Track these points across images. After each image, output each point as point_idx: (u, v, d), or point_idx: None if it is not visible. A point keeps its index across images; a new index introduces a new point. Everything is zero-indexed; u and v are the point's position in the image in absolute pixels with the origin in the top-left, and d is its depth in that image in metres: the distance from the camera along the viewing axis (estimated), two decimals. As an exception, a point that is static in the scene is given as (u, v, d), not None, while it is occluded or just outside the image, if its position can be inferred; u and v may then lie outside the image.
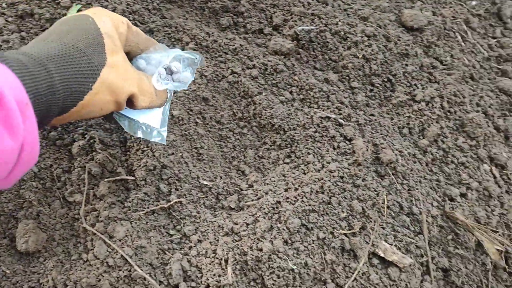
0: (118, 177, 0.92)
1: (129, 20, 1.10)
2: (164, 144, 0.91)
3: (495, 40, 1.48)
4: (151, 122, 0.86)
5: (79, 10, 1.06)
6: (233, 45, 1.16)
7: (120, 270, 0.83)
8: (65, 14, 1.06)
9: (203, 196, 0.97)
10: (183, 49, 1.09)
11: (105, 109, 0.71)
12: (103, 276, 0.82)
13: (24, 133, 0.53)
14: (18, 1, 1.03)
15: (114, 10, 1.09)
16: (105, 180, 0.92)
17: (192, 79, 0.87)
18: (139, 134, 0.84)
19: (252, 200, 0.96)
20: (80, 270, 0.82)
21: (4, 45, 0.96)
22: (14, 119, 0.51)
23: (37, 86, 0.57)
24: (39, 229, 0.85)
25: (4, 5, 1.02)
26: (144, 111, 0.84)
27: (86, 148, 0.94)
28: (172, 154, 0.97)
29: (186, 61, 0.86)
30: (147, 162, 0.94)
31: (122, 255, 0.84)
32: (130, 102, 0.75)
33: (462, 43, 1.40)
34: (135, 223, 0.88)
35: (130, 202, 0.90)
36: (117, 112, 0.81)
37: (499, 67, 1.40)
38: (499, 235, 1.05)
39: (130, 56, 0.80)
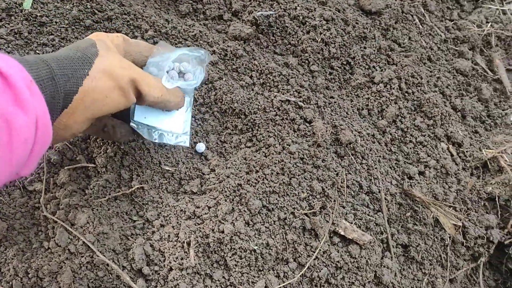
0: (78, 165, 0.92)
1: (86, 7, 1.10)
2: (187, 147, 0.94)
3: (452, 22, 1.51)
4: (173, 128, 0.90)
5: (35, 0, 1.05)
6: (193, 32, 1.16)
7: (82, 256, 0.83)
8: (21, 4, 1.04)
9: (166, 181, 0.98)
10: (178, 44, 1.10)
11: (111, 97, 0.72)
12: (64, 263, 0.82)
13: (35, 108, 0.57)
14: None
15: (70, -2, 1.09)
16: (65, 168, 0.92)
17: (204, 76, 0.90)
18: (163, 140, 0.89)
19: (214, 184, 0.97)
20: (42, 258, 0.82)
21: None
22: (23, 95, 0.55)
23: (37, 71, 0.61)
24: (-1, 219, 0.84)
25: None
26: (163, 118, 0.89)
27: (45, 136, 0.93)
28: (133, 140, 0.97)
29: (194, 60, 0.89)
30: (107, 149, 0.94)
31: (84, 242, 0.84)
32: (139, 96, 0.77)
33: (420, 26, 1.43)
34: (97, 210, 0.89)
35: (91, 189, 0.91)
36: (135, 120, 0.85)
37: (456, 48, 1.43)
38: (455, 210, 1.08)
39: (138, 65, 0.82)
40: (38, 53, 1.02)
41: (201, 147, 1.05)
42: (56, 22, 1.06)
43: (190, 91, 0.94)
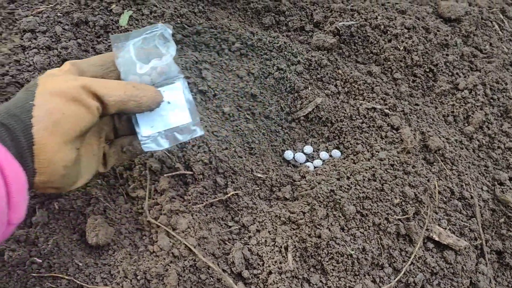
0: (177, 172, 0.96)
1: (177, 22, 1.14)
2: (203, 135, 0.86)
3: (533, 27, 1.49)
4: (182, 120, 0.82)
5: (130, 17, 1.11)
6: (277, 43, 1.19)
7: (185, 260, 0.86)
8: (117, 21, 1.10)
9: (258, 188, 1.00)
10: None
11: (69, 112, 0.67)
12: (170, 266, 0.85)
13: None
14: (72, 9, 1.08)
15: (163, 15, 1.14)
16: (165, 175, 0.95)
17: (174, 47, 0.82)
18: (178, 140, 0.82)
19: (306, 190, 0.98)
20: (148, 261, 0.86)
21: (63, 51, 1.00)
22: None
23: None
24: (106, 224, 0.88)
25: (59, 14, 1.06)
26: (168, 116, 0.81)
27: (145, 146, 0.97)
28: (226, 149, 1.00)
29: (157, 38, 0.81)
30: (203, 156, 0.97)
31: (186, 246, 0.87)
32: (101, 101, 0.71)
33: (500, 32, 1.41)
34: (196, 215, 0.92)
35: (189, 195, 0.94)
36: (143, 136, 0.80)
37: (539, 53, 1.41)
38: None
39: (107, 78, 0.77)
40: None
41: (289, 154, 1.07)
42: (150, 37, 1.11)
43: (175, 74, 0.83)
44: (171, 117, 0.81)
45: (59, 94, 0.66)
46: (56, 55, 1.00)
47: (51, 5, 1.08)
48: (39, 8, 1.07)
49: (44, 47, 1.00)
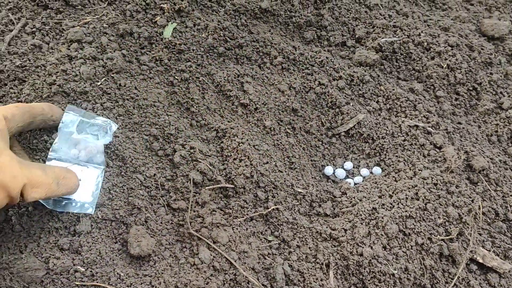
0: (219, 185, 0.96)
1: (220, 36, 1.15)
2: (92, 215, 0.88)
3: None
4: (82, 198, 0.88)
5: (174, 29, 1.12)
6: (319, 58, 1.19)
7: (226, 273, 0.86)
8: (161, 33, 1.11)
9: (298, 203, 0.99)
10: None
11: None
12: (210, 279, 0.85)
13: None
14: (118, 21, 1.09)
15: (206, 27, 1.15)
16: (206, 187, 0.95)
17: (108, 142, 0.92)
18: (68, 209, 0.86)
19: (347, 207, 0.97)
20: (189, 273, 0.86)
21: (108, 62, 1.02)
22: None
23: None
24: (148, 234, 0.89)
25: (105, 25, 1.08)
26: None
27: (187, 157, 0.98)
28: (267, 163, 1.00)
29: (99, 129, 0.92)
30: (244, 170, 0.97)
31: (227, 259, 0.87)
32: (21, 195, 0.74)
33: (544, 51, 1.39)
34: (236, 229, 0.92)
35: (230, 208, 0.94)
36: None
37: None
38: None
39: (32, 126, 0.85)
40: (177, 79, 1.08)
41: (329, 170, 1.07)
42: (193, 50, 1.12)
43: (98, 162, 0.91)
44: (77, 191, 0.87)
45: (3, 190, 0.70)
46: (102, 65, 1.01)
47: (97, 16, 1.09)
48: (85, 19, 1.09)
49: (90, 57, 1.01)
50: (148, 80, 1.06)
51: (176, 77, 1.09)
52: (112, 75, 1.02)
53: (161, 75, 1.09)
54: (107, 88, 0.99)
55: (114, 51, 1.05)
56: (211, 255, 0.88)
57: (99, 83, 0.99)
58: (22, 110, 0.81)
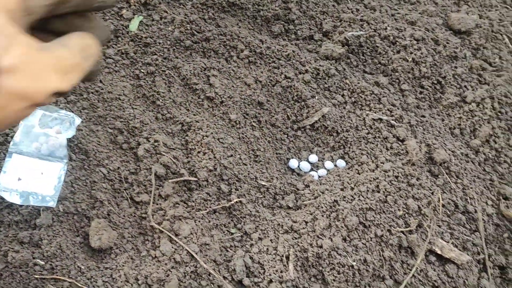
0: (182, 178, 0.97)
1: (187, 29, 1.15)
2: (53, 208, 0.88)
3: (544, 41, 1.48)
4: (44, 191, 0.88)
5: (140, 22, 1.12)
6: (286, 51, 1.20)
7: (186, 266, 0.87)
8: (127, 26, 1.11)
9: (261, 196, 1.00)
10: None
11: (22, 116, 0.54)
12: (171, 271, 0.86)
13: None
14: (83, 14, 1.09)
15: (173, 21, 1.15)
16: (170, 181, 0.96)
17: (71, 135, 0.93)
18: (29, 202, 0.86)
19: (309, 200, 0.99)
20: (150, 266, 0.86)
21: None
22: None
23: None
24: (110, 227, 0.89)
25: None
26: (36, 180, 0.89)
27: (151, 150, 0.98)
28: (231, 156, 1.01)
29: (62, 122, 0.93)
30: (208, 163, 0.98)
31: (188, 252, 0.88)
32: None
33: (510, 45, 1.41)
34: (199, 221, 0.92)
35: (193, 201, 0.95)
36: (4, 186, 0.86)
37: (549, 68, 1.40)
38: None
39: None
40: (143, 72, 1.08)
41: (294, 163, 1.08)
42: (159, 43, 1.12)
43: (61, 155, 0.91)
44: (37, 184, 0.88)
45: (22, 98, 0.56)
46: (66, 58, 1.01)
47: (62, 9, 1.09)
48: (50, 12, 1.08)
49: (54, 51, 1.01)
50: (113, 73, 1.06)
51: (142, 70, 1.09)
52: (76, 68, 1.02)
53: (127, 68, 1.09)
54: (71, 82, 0.99)
55: (79, 44, 1.05)
56: (172, 247, 0.89)
57: (63, 77, 0.99)
58: None
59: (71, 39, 0.47)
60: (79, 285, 0.82)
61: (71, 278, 0.82)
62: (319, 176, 1.07)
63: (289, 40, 1.26)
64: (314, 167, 1.10)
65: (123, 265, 0.86)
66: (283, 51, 1.20)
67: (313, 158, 1.10)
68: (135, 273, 0.85)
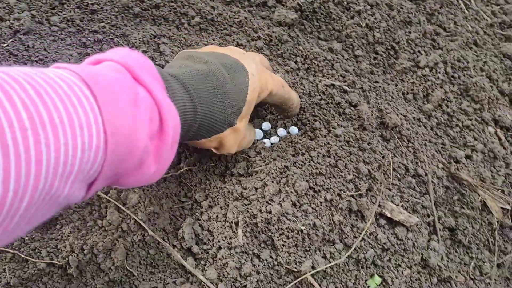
0: (130, 147, 0.95)
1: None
2: None
3: (498, 7, 1.48)
4: None
5: None
6: (238, 18, 1.18)
7: (134, 235, 0.86)
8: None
9: (213, 164, 0.99)
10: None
11: (207, 148, 0.85)
12: (118, 241, 0.85)
13: (164, 162, 0.64)
14: (25, -20, 1.06)
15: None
16: (117, 150, 0.94)
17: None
18: None
19: (260, 166, 0.98)
20: (96, 235, 0.85)
21: (15, 22, 0.98)
22: (164, 151, 0.61)
23: (183, 125, 0.68)
24: (55, 198, 0.87)
25: (12, -16, 1.04)
26: None
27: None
28: (181, 124, 0.99)
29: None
30: (157, 132, 0.96)
31: (136, 221, 0.87)
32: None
33: (466, 10, 1.41)
34: (147, 190, 0.91)
35: (142, 170, 0.93)
36: None
37: (503, 33, 1.41)
38: (503, 193, 1.06)
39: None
40: (90, 40, 1.05)
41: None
42: (106, 10, 1.09)
43: None
44: None
45: (221, 146, 0.85)
46: (8, 26, 0.98)
47: (4, -25, 1.05)
48: (-9, -22, 1.05)
49: (-5, 18, 0.98)
50: (58, 41, 1.03)
51: (89, 38, 1.06)
52: (19, 36, 0.99)
53: (73, 36, 1.06)
54: (14, 50, 0.96)
55: (22, 12, 1.02)
56: (119, 216, 0.87)
57: (5, 45, 0.96)
58: (283, 93, 0.91)
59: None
60: (23, 256, 0.81)
61: (14, 249, 0.81)
62: (272, 143, 1.06)
63: (242, 7, 1.24)
64: (267, 134, 1.09)
65: (68, 235, 0.85)
66: (235, 18, 1.18)
67: (266, 125, 1.09)
68: (81, 243, 0.84)
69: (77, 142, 0.45)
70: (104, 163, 0.50)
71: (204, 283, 0.84)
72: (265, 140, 1.06)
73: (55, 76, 0.47)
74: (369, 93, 1.12)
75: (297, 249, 0.88)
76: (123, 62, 0.60)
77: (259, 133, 1.07)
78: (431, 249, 0.97)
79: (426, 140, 1.09)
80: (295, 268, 0.87)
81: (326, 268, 0.89)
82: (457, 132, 1.13)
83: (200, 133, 0.76)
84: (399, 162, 1.03)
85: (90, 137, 0.47)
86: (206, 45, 1.12)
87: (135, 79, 0.60)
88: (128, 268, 0.84)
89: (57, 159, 0.43)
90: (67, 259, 0.82)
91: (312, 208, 0.92)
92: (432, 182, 1.03)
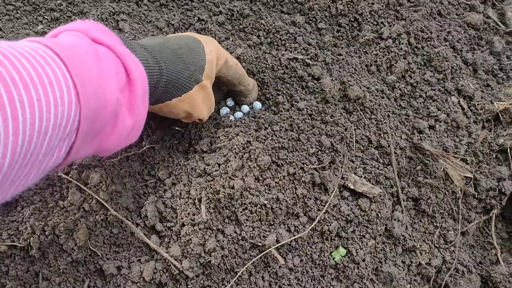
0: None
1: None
2: None
3: (463, -24, 1.48)
4: None
5: None
6: (199, -8, 1.16)
7: (97, 214, 0.85)
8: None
9: (176, 141, 0.99)
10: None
11: (178, 116, 0.87)
12: (80, 221, 0.84)
13: (139, 115, 0.66)
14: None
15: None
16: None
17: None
18: None
19: (223, 142, 0.98)
20: (58, 216, 0.84)
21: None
22: (136, 102, 0.64)
23: (150, 79, 0.71)
24: (14, 180, 0.86)
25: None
26: None
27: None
28: (143, 102, 0.98)
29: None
30: (117, 110, 0.95)
31: (98, 201, 0.86)
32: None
33: (430, -19, 1.41)
34: (109, 169, 0.90)
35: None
36: None
37: (467, 2, 1.41)
38: (465, 162, 1.08)
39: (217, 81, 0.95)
40: (47, 18, 1.03)
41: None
42: (62, -13, 1.07)
43: None
44: None
45: (191, 106, 0.87)
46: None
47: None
48: None
49: None
50: (14, 20, 1.01)
51: (46, 17, 1.04)
52: (-28, 17, 0.96)
53: (29, 15, 1.03)
54: (-33, 31, 0.94)
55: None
56: (81, 197, 0.87)
57: (-42, 26, 0.93)
58: (237, 69, 0.96)
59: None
60: (-18, 240, 0.80)
61: (-28, 233, 0.80)
62: (235, 119, 1.06)
63: (203, -19, 1.23)
64: (231, 110, 1.09)
65: (29, 217, 0.84)
66: (196, -7, 1.16)
67: (230, 102, 1.08)
68: (42, 224, 0.83)
69: (50, 98, 0.47)
70: (80, 119, 0.52)
71: (169, 260, 0.84)
72: (229, 114, 1.06)
73: (18, 44, 0.49)
74: (332, 66, 1.12)
75: (261, 224, 0.89)
76: (78, 28, 0.63)
77: (223, 110, 1.06)
78: (395, 220, 0.98)
79: (389, 111, 1.10)
80: (260, 242, 0.87)
81: (291, 241, 0.90)
82: (420, 102, 1.14)
83: (169, 89, 0.78)
84: (362, 134, 1.03)
85: (61, 92, 0.49)
86: (166, 21, 1.11)
87: (93, 41, 0.62)
88: (92, 248, 0.84)
89: (32, 114, 0.45)
90: (28, 240, 0.82)
91: (275, 182, 0.92)
92: (395, 153, 1.04)
